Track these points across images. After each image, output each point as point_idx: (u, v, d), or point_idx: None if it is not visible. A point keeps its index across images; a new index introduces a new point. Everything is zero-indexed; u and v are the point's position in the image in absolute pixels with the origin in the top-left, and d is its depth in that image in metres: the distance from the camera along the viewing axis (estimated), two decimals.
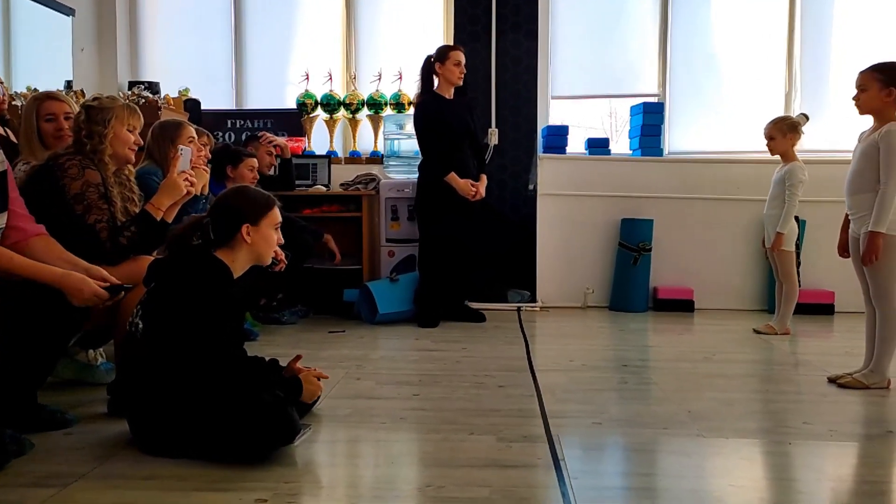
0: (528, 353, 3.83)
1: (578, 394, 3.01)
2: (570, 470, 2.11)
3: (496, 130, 5.47)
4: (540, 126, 5.58)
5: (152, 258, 2.50)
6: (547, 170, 5.53)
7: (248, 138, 4.96)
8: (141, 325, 2.25)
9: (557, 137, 5.58)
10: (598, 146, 5.64)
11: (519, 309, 5.31)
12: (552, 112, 5.85)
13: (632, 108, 5.73)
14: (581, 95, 5.99)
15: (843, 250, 3.29)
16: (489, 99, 5.48)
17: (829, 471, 2.23)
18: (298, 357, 2.63)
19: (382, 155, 5.61)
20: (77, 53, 5.46)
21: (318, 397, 2.67)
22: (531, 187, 5.49)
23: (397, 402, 2.87)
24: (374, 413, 2.70)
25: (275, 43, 5.98)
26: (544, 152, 5.57)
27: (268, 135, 4.84)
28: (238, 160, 4.31)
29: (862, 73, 3.11)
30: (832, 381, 3.20)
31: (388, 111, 5.65)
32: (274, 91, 5.94)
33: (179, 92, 5.56)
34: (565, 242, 5.56)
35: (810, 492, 2.02)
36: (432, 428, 2.57)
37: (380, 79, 5.65)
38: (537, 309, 5.38)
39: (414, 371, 3.43)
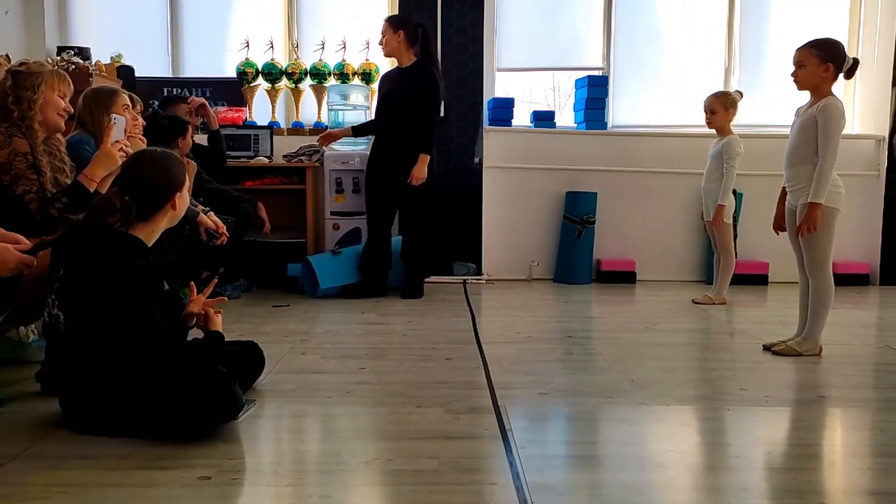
0: (474, 325, 3.85)
1: (524, 365, 3.03)
2: (516, 440, 2.13)
3: (442, 102, 5.41)
4: (486, 98, 5.55)
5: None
6: (493, 142, 5.53)
7: (171, 99, 4.77)
8: (62, 317, 2.14)
9: (503, 110, 5.57)
10: (543, 119, 5.66)
11: (465, 281, 5.33)
12: (498, 84, 5.83)
13: (576, 81, 5.75)
14: (526, 68, 5.98)
15: (779, 226, 3.38)
16: None
17: (763, 435, 2.30)
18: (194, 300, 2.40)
19: (326, 126, 5.49)
20: (1, 16, 5.16)
21: (260, 373, 2.63)
22: (477, 160, 5.48)
23: (343, 375, 2.84)
24: (320, 387, 2.67)
25: (214, 8, 5.77)
26: (490, 125, 5.56)
27: (196, 100, 4.65)
28: (184, 130, 4.16)
29: (799, 49, 3.18)
30: (767, 348, 3.31)
31: (332, 81, 5.53)
32: (212, 59, 5.75)
33: (112, 58, 5.33)
34: (511, 215, 5.59)
35: (746, 456, 2.09)
36: (379, 401, 2.55)
37: (323, 48, 5.52)
38: (483, 281, 5.41)
39: (360, 345, 3.41)
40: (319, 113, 5.60)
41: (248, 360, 2.57)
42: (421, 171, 4.52)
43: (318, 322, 3.88)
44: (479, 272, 5.48)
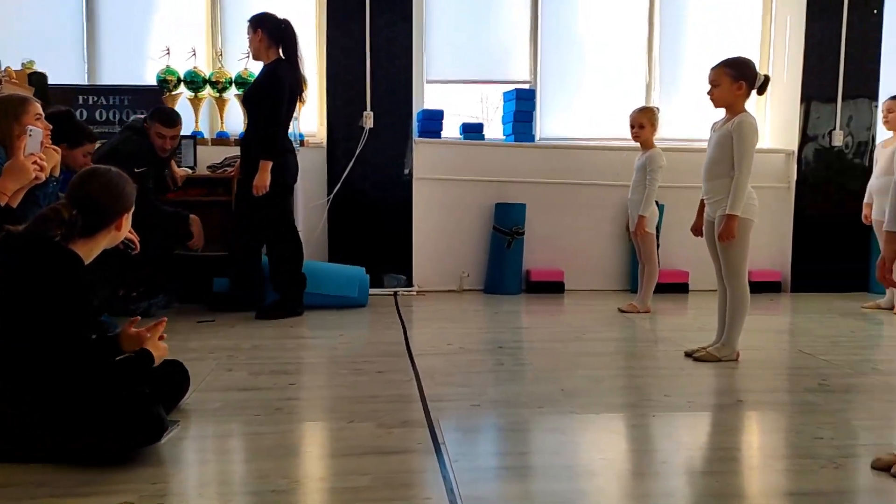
0: (405, 337, 3.84)
1: (457, 377, 3.04)
2: (450, 453, 2.13)
3: (371, 113, 5.41)
4: (415, 110, 5.57)
5: None
6: (422, 154, 5.55)
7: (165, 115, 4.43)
8: None
9: (432, 122, 5.60)
10: (472, 131, 5.72)
11: (395, 293, 5.31)
12: (427, 96, 5.86)
13: (504, 94, 5.84)
14: (455, 80, 6.03)
15: (697, 231, 3.52)
16: (364, 81, 5.40)
17: (686, 440, 2.38)
18: (133, 321, 2.34)
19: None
20: None
21: (185, 391, 2.55)
22: (406, 171, 5.48)
23: (272, 392, 2.78)
24: (248, 405, 2.60)
25: (133, 14, 5.59)
26: (419, 137, 5.57)
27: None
28: (78, 142, 3.95)
29: (714, 68, 3.31)
30: (688, 355, 3.42)
31: None
32: (131, 66, 5.56)
33: (23, 64, 5.07)
34: (441, 227, 5.61)
35: (671, 461, 2.15)
36: (310, 417, 2.51)
37: (248, 56, 5.41)
38: (414, 293, 5.40)
39: (290, 360, 3.34)
40: (245, 123, 5.48)
41: (172, 379, 2.49)
42: (261, 179, 4.14)
43: (246, 337, 3.78)
44: (409, 284, 5.47)
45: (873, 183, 4.95)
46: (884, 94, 5.58)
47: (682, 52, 6.05)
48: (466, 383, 2.94)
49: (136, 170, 3.88)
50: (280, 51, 4.29)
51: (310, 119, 5.65)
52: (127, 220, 2.25)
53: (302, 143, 5.38)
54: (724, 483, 1.95)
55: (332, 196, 5.40)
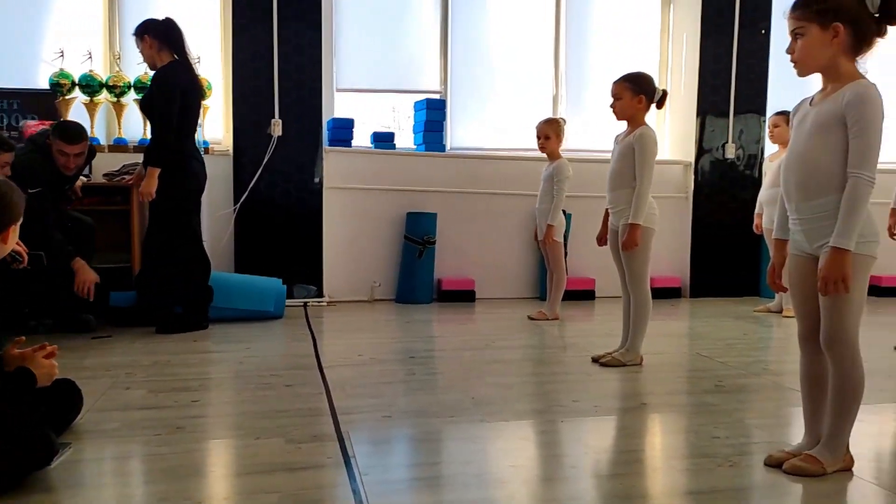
0: (315, 349, 3.77)
1: (368, 388, 3.01)
2: (360, 466, 2.10)
3: (280, 121, 5.30)
4: (325, 118, 5.50)
5: None
6: (333, 163, 5.49)
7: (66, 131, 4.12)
8: None
9: (343, 130, 5.55)
10: (383, 140, 5.70)
11: (305, 304, 5.21)
12: (337, 105, 5.80)
13: (415, 103, 5.86)
14: (366, 89, 6.00)
15: (601, 240, 3.63)
16: (272, 89, 5.29)
17: (593, 443, 2.43)
18: (17, 342, 2.26)
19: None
20: None
21: (78, 411, 2.41)
22: (317, 180, 5.40)
23: (174, 410, 2.67)
24: (147, 424, 2.48)
25: (24, 14, 5.28)
26: (330, 145, 5.51)
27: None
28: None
29: (615, 82, 3.43)
30: (595, 360, 3.51)
31: None
32: (22, 68, 5.24)
33: None
34: (352, 236, 5.56)
35: (578, 465, 2.19)
36: (214, 435, 2.42)
37: (198, 61, 5.21)
38: (324, 304, 5.32)
39: (193, 376, 3.22)
40: (145, 129, 5.27)
41: (63, 398, 2.35)
42: (147, 185, 3.99)
43: (146, 353, 3.62)
44: (320, 295, 5.38)
45: (763, 194, 5.24)
46: (771, 110, 5.94)
47: (587, 66, 6.24)
48: (377, 394, 2.91)
49: (30, 190, 3.61)
50: (173, 54, 4.14)
51: (215, 126, 5.49)
52: (14, 231, 2.13)
53: (206, 151, 5.22)
54: (628, 485, 2.01)
55: (238, 205, 5.26)
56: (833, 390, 2.03)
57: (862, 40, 1.94)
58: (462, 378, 3.21)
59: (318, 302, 5.31)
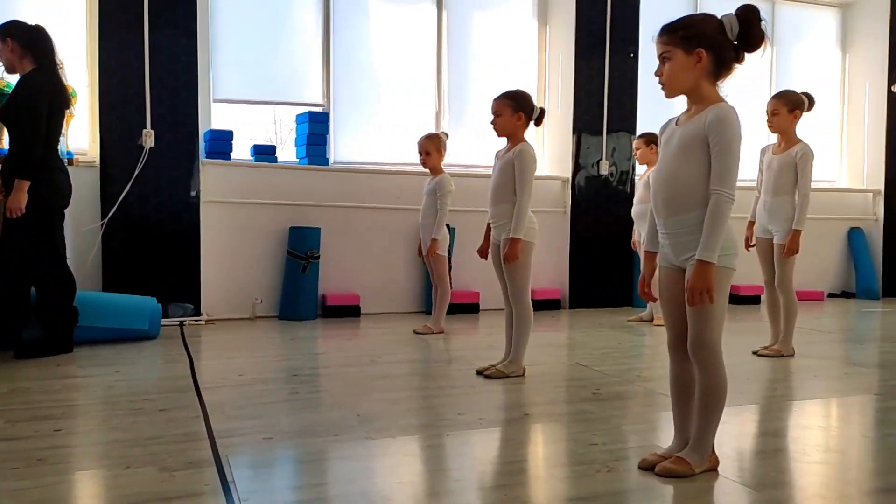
0: (192, 370, 3.60)
1: (248, 409, 2.90)
2: (240, 492, 2.02)
3: (152, 132, 5.06)
4: (202, 130, 5.30)
5: None
6: (211, 176, 5.30)
7: None
8: None
9: (221, 143, 5.37)
10: (264, 153, 5.57)
11: (181, 323, 4.98)
12: (214, 116, 5.62)
13: (297, 116, 5.76)
14: (245, 100, 5.84)
15: (483, 253, 3.70)
16: (143, 97, 5.05)
17: (478, 456, 2.46)
18: None
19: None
20: None
21: None
22: (193, 193, 5.18)
23: (34, 441, 2.46)
24: (4, 457, 2.28)
25: None
26: (207, 157, 5.32)
27: None
28: None
29: (495, 100, 3.52)
30: (479, 372, 3.56)
31: None
32: None
33: None
34: (232, 252, 5.38)
35: (464, 478, 2.21)
36: (80, 466, 2.26)
37: (62, 66, 4.83)
38: (202, 322, 5.11)
39: (56, 403, 2.99)
40: (1, 139, 4.88)
41: None
42: (15, 199, 3.70)
43: (3, 380, 3.32)
44: (197, 313, 5.16)
45: (634, 209, 5.52)
46: (640, 129, 6.29)
47: (469, 82, 6.37)
48: (258, 415, 2.82)
49: None
50: (35, 59, 3.87)
51: (80, 135, 5.17)
52: None
53: (71, 162, 4.89)
54: (512, 495, 2.04)
55: (106, 220, 4.96)
56: (699, 395, 2.15)
57: (722, 65, 2.09)
58: (347, 395, 3.16)
59: (196, 321, 5.09)
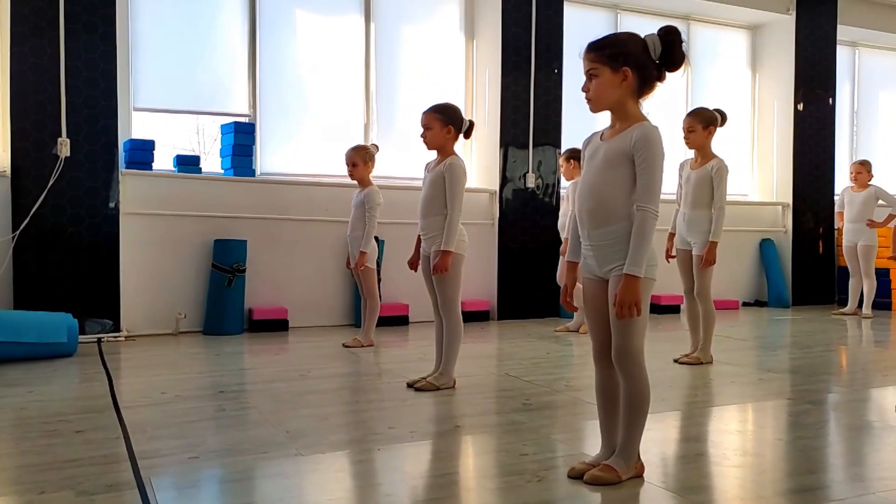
0: (111, 389, 3.46)
1: (172, 428, 2.81)
2: None
3: (67, 140, 4.86)
4: (121, 139, 5.12)
5: None
6: (131, 187, 5.13)
7: None
8: None
9: (142, 152, 5.21)
10: (187, 164, 5.42)
11: (99, 340, 4.78)
12: (135, 125, 5.44)
13: (222, 126, 5.64)
14: (167, 109, 5.68)
15: (413, 265, 3.70)
16: (58, 105, 4.84)
17: (410, 470, 2.45)
18: None
19: None
20: None
21: None
22: (112, 205, 5.00)
23: None
24: None
25: None
26: (127, 167, 5.14)
27: None
28: None
29: (425, 113, 3.54)
30: (410, 385, 3.55)
31: None
32: None
33: None
34: (154, 265, 5.21)
35: (395, 493, 2.20)
36: None
37: None
38: (122, 339, 4.92)
39: None
40: None
41: None
42: None
43: None
44: (116, 329, 4.97)
45: (560, 222, 5.65)
46: (565, 143, 6.44)
47: (397, 94, 6.39)
48: (182, 434, 2.73)
49: None
50: None
51: None
52: None
53: None
54: None
55: (18, 232, 4.73)
56: (624, 403, 2.21)
57: (646, 84, 2.17)
58: (276, 411, 3.10)
59: (115, 337, 4.90)
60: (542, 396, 3.41)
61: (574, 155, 5.44)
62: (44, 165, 4.80)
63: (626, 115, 2.18)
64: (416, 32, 6.47)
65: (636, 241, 2.10)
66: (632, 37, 2.17)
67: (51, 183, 4.80)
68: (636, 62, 2.13)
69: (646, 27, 2.25)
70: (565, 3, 6.57)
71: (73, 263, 4.88)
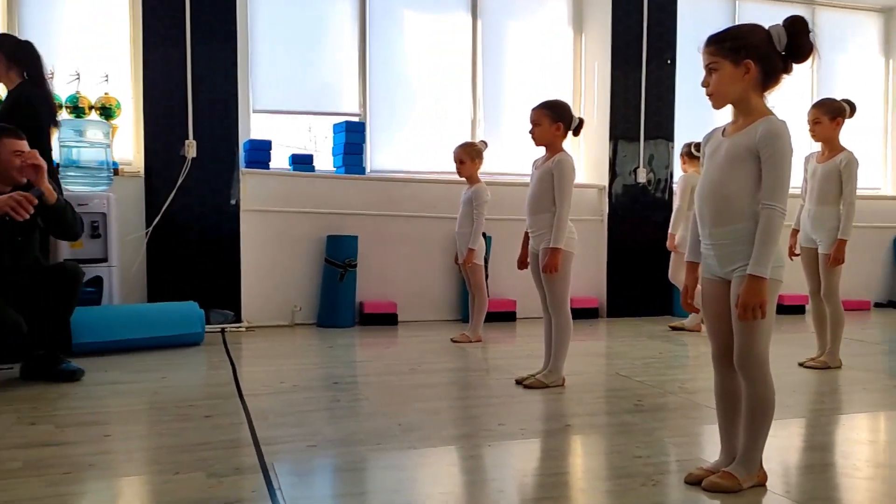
0: (235, 377, 3.66)
1: (291, 417, 2.94)
2: (286, 499, 2.04)
3: (194, 142, 5.16)
4: (241, 140, 5.39)
5: None
6: (250, 185, 5.38)
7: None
8: None
9: (260, 152, 5.45)
10: (302, 162, 5.63)
11: (223, 330, 5.06)
12: (253, 126, 5.70)
13: (334, 126, 5.82)
14: (284, 111, 5.92)
15: (522, 264, 3.69)
16: (185, 109, 5.15)
17: (520, 467, 2.46)
18: None
19: (58, 164, 4.94)
20: None
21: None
22: (233, 202, 5.27)
23: (84, 446, 2.52)
24: (54, 462, 2.34)
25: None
26: (247, 167, 5.40)
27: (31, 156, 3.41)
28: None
29: (534, 109, 3.52)
30: (519, 382, 3.55)
31: (64, 115, 5.00)
32: None
33: None
34: (271, 259, 5.45)
35: (506, 489, 2.20)
36: (129, 472, 2.31)
37: (52, 77, 4.97)
38: (243, 329, 5.18)
39: (104, 408, 3.06)
40: None
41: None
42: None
43: (51, 384, 3.42)
44: (238, 320, 5.23)
45: (676, 215, 5.46)
46: (678, 136, 6.23)
47: (504, 89, 6.37)
48: (301, 423, 2.85)
49: None
50: (23, 73, 3.95)
51: (125, 146, 5.30)
52: None
53: (116, 172, 5.02)
54: None
55: (151, 228, 5.07)
56: (746, 408, 2.12)
57: (770, 77, 2.07)
58: (388, 404, 3.18)
59: (237, 327, 5.17)
60: (654, 398, 3.33)
61: (687, 151, 5.28)
62: (173, 166, 5.12)
63: (749, 110, 2.08)
64: (523, 28, 6.43)
65: (762, 240, 2.01)
66: (754, 28, 2.07)
67: (179, 182, 5.11)
68: (759, 54, 2.03)
69: (766, 14, 2.15)
70: None
71: (199, 258, 5.18)
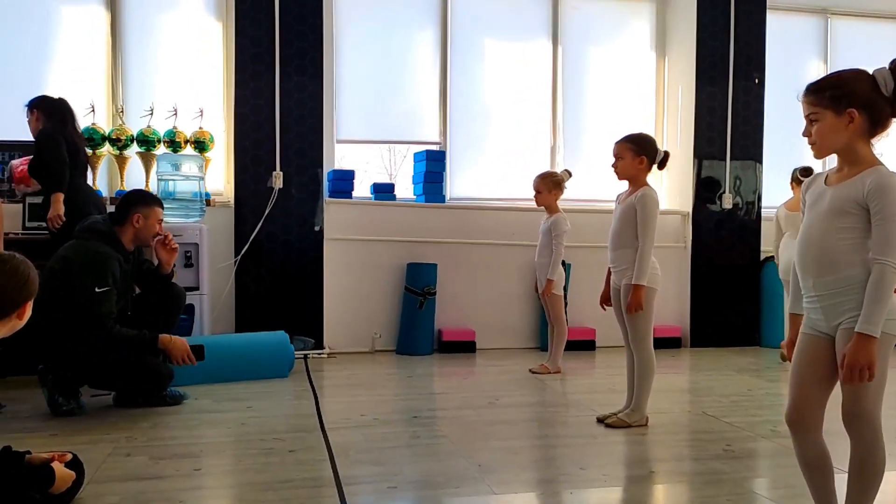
0: (317, 408, 3.73)
1: (372, 453, 2.97)
2: None
3: (281, 173, 5.33)
4: (325, 170, 5.53)
5: None
6: (333, 214, 5.50)
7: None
8: None
9: (343, 182, 5.58)
10: (383, 191, 5.73)
11: (306, 357, 5.17)
12: (336, 155, 5.84)
13: (415, 154, 5.90)
14: (366, 140, 6.05)
15: (605, 300, 3.61)
16: (273, 141, 5.33)
17: None
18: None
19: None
20: None
21: (79, 486, 2.37)
22: (317, 228, 5.41)
23: (176, 480, 2.63)
24: (149, 497, 2.44)
25: (20, 62, 5.32)
26: (330, 196, 5.53)
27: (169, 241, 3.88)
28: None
29: (617, 143, 3.46)
30: (600, 420, 3.48)
31: (161, 149, 5.26)
32: (20, 119, 5.22)
33: None
34: (353, 287, 5.55)
35: None
36: None
37: (152, 114, 5.26)
38: (324, 356, 5.29)
39: (194, 440, 3.18)
40: (147, 182, 5.29)
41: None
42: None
43: (145, 415, 3.56)
44: (318, 346, 5.35)
45: (776, 242, 5.21)
46: (767, 157, 6.01)
47: (584, 116, 6.30)
48: (381, 461, 2.87)
49: (97, 289, 3.42)
50: (48, 121, 4.35)
51: (216, 178, 5.53)
52: (29, 307, 2.17)
53: (208, 203, 5.24)
54: None
55: (239, 257, 5.25)
56: (853, 467, 1.99)
57: (877, 123, 1.94)
58: (466, 441, 3.17)
59: (319, 354, 5.28)
60: (745, 442, 3.19)
61: (795, 178, 5.07)
62: (260, 196, 5.30)
63: (855, 160, 1.96)
64: (604, 53, 6.36)
65: (872, 297, 1.87)
66: (856, 74, 1.95)
67: (266, 212, 5.28)
68: (863, 102, 1.91)
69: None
70: (768, 10, 6.13)
71: (284, 285, 5.33)
